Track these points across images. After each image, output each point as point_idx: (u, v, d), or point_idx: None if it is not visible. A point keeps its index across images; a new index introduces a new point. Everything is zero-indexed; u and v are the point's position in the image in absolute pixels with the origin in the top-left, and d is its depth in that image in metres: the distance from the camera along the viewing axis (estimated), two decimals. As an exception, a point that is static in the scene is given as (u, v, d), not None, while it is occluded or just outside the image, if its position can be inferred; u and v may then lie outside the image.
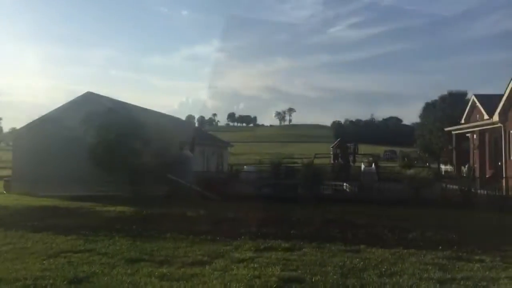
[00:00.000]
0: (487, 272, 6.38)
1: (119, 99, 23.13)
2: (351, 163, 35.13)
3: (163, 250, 7.67)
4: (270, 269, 6.36)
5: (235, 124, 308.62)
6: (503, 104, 20.32)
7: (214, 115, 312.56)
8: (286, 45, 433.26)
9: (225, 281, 5.75)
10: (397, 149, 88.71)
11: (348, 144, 38.53)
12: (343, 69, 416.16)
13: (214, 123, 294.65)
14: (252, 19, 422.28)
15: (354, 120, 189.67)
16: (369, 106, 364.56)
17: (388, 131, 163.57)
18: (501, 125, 20.67)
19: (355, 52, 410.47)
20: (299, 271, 6.28)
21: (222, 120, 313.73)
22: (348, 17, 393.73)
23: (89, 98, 19.97)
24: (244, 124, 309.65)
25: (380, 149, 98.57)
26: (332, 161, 36.19)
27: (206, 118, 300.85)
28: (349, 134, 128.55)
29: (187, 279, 5.89)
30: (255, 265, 6.62)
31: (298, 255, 7.35)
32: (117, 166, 16.81)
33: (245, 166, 28.54)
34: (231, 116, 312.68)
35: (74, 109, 19.85)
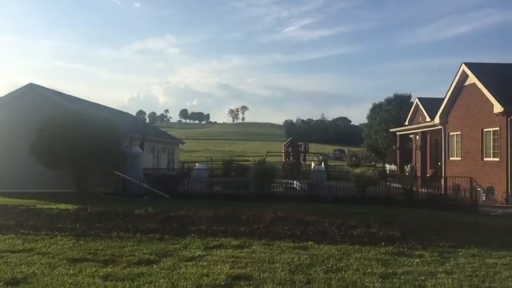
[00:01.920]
0: (425, 267, 6.72)
1: (65, 92, 22.12)
2: (302, 162, 35.94)
3: (108, 249, 7.42)
4: (219, 267, 6.33)
5: (188, 121, 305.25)
6: (444, 107, 21.52)
7: (166, 111, 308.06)
8: (240, 43, 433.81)
9: (173, 280, 5.65)
10: (346, 149, 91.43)
11: (299, 143, 39.40)
12: (296, 69, 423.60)
13: (165, 119, 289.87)
14: (207, 15, 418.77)
15: (305, 119, 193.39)
16: (320, 106, 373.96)
17: (338, 131, 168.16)
18: (442, 127, 21.90)
19: (307, 53, 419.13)
20: (248, 268, 6.31)
21: (174, 116, 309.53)
22: (302, 18, 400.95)
23: (31, 90, 18.89)
24: (196, 121, 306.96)
25: (329, 148, 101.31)
26: (283, 160, 36.79)
27: (158, 114, 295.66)
28: (300, 133, 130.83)
29: (132, 279, 5.73)
30: (204, 263, 6.57)
31: (248, 253, 7.38)
32: (60, 162, 16.04)
33: (196, 164, 28.25)
34: (183, 113, 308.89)
35: (15, 101, 18.72)
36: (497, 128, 17.12)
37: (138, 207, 11.43)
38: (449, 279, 6.00)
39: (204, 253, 7.26)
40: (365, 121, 62.86)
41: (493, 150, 17.55)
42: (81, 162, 16.28)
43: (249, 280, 5.74)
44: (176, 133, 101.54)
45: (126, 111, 42.32)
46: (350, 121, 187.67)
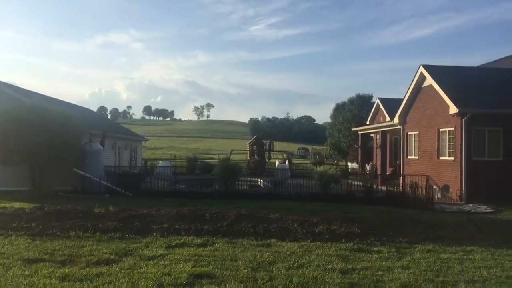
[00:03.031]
0: (383, 262, 6.94)
1: (23, 87, 21.21)
2: (266, 160, 36.17)
3: (66, 249, 7.21)
4: (181, 266, 6.29)
5: (151, 117, 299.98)
6: (403, 108, 22.23)
7: (129, 107, 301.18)
8: (206, 40, 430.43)
9: (133, 280, 5.56)
10: (310, 147, 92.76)
11: (264, 141, 39.62)
12: (262, 67, 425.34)
13: (128, 115, 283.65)
14: (172, 10, 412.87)
15: (270, 117, 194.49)
16: (285, 104, 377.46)
17: (302, 130, 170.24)
18: (401, 126, 22.62)
19: (273, 52, 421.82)
20: (211, 267, 6.30)
21: (137, 113, 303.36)
22: (268, 17, 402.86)
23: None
24: (160, 118, 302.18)
25: (294, 147, 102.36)
26: (248, 157, 36.89)
27: (120, 110, 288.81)
28: (265, 131, 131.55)
29: (91, 279, 5.59)
30: (166, 262, 6.50)
31: (210, 251, 7.36)
32: (15, 158, 15.36)
33: (160, 161, 27.87)
34: (147, 109, 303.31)
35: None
36: (452, 128, 17.87)
37: (98, 206, 11.15)
38: (405, 274, 6.23)
39: (166, 252, 7.18)
40: (329, 120, 64.06)
41: (448, 149, 18.31)
42: (38, 159, 15.66)
43: (212, 278, 5.73)
44: (139, 130, 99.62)
45: (87, 106, 41.17)
46: (314, 120, 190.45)
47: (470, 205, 15.72)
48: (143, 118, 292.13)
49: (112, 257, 6.74)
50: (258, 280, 5.74)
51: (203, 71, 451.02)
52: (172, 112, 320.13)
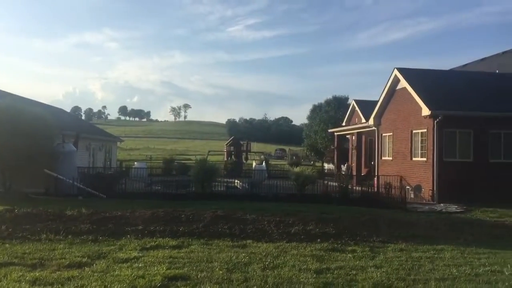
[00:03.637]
0: (357, 262, 7.05)
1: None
2: (244, 161, 36.17)
3: (37, 253, 7.03)
4: (155, 268, 6.22)
5: (127, 118, 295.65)
6: (377, 110, 22.63)
7: (104, 107, 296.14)
8: (183, 40, 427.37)
9: (106, 283, 5.47)
10: (287, 148, 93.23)
11: (242, 142, 39.62)
12: (240, 69, 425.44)
13: (103, 116, 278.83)
14: (148, 9, 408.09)
15: (248, 118, 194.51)
16: (263, 105, 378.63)
17: (280, 131, 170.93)
18: (375, 128, 23.02)
19: (251, 53, 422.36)
20: (185, 269, 6.25)
21: (113, 113, 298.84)
22: (246, 18, 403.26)
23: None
24: (136, 119, 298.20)
25: (271, 148, 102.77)
26: (225, 158, 36.80)
27: (95, 110, 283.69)
28: (243, 132, 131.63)
29: (62, 283, 5.47)
30: (140, 265, 6.42)
31: (186, 252, 7.31)
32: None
33: (135, 162, 27.46)
34: (122, 110, 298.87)
35: None
36: (425, 130, 18.30)
37: (71, 208, 10.92)
38: (378, 273, 6.34)
39: (140, 254, 7.09)
40: (306, 121, 64.63)
41: (421, 150, 18.74)
42: (8, 161, 15.19)
43: (186, 280, 5.70)
44: (114, 130, 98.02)
45: (61, 107, 40.23)
46: (291, 121, 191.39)
47: (442, 204, 16.12)
48: (118, 118, 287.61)
49: (84, 260, 6.61)
50: (234, 281, 5.73)
51: (180, 72, 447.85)
52: (149, 112, 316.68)
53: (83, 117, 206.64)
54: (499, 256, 7.71)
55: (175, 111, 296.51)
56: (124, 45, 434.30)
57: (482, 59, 29.31)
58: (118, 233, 8.62)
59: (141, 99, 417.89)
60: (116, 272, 5.99)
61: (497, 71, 23.66)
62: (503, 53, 27.62)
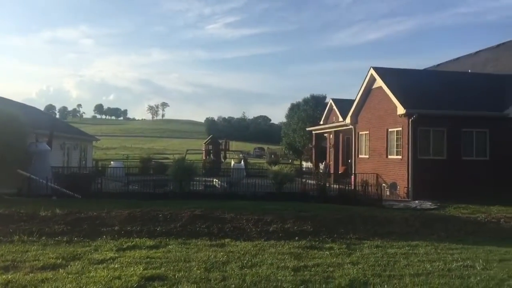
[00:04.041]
0: (334, 259, 7.13)
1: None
2: (222, 160, 36.08)
3: (9, 254, 6.84)
4: (132, 269, 6.14)
5: (103, 116, 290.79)
6: (354, 108, 22.93)
7: (79, 106, 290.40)
8: (161, 38, 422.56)
9: (81, 285, 5.37)
10: (266, 147, 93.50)
11: (220, 141, 39.51)
12: (219, 67, 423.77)
13: (78, 114, 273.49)
14: (124, 6, 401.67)
15: (227, 117, 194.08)
16: (242, 104, 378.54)
17: (259, 129, 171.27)
18: (352, 126, 23.32)
19: (230, 51, 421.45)
20: (163, 269, 6.19)
21: (88, 112, 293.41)
22: (225, 16, 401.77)
23: None
24: (113, 117, 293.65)
25: (250, 146, 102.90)
26: (204, 157, 36.62)
27: (70, 109, 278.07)
28: (222, 131, 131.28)
29: (36, 285, 5.35)
30: (116, 266, 6.32)
31: (163, 252, 7.24)
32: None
33: (112, 162, 27.05)
34: (98, 108, 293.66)
35: None
36: (400, 129, 18.65)
37: (45, 209, 10.65)
38: (355, 269, 6.43)
39: (116, 255, 6.98)
40: (284, 120, 64.90)
41: (396, 148, 19.09)
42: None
43: (164, 281, 5.64)
44: (90, 129, 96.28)
45: (34, 105, 39.28)
46: (270, 120, 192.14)
47: (416, 201, 16.47)
48: (94, 117, 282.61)
49: (58, 261, 6.48)
50: (211, 280, 5.72)
51: (158, 70, 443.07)
52: (126, 111, 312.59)
53: (57, 116, 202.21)
54: (471, 252, 7.94)
55: (153, 110, 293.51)
56: (100, 42, 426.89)
57: (455, 59, 30.02)
58: (94, 234, 8.47)
59: (117, 97, 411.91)
60: (92, 274, 5.89)
61: (469, 71, 24.29)
62: (476, 53, 28.37)
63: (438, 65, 31.21)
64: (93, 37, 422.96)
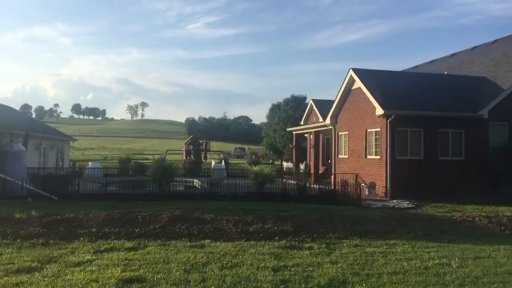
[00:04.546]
0: (314, 258, 7.18)
1: None
2: (203, 160, 35.90)
3: (-18, 259, 6.64)
4: (110, 271, 6.04)
5: (81, 116, 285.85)
6: (334, 109, 23.14)
7: (56, 105, 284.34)
8: (140, 37, 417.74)
9: (57, 288, 5.26)
10: (247, 147, 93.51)
11: (201, 141, 39.32)
12: (199, 67, 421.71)
13: (55, 114, 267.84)
14: (103, 4, 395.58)
15: (207, 117, 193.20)
16: (223, 104, 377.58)
17: (239, 130, 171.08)
18: (332, 127, 23.53)
19: (210, 51, 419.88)
20: (141, 271, 6.12)
21: (65, 111, 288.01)
22: (205, 16, 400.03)
23: None
24: (91, 117, 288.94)
25: (231, 147, 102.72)
26: (184, 158, 36.36)
27: (46, 108, 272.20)
28: (202, 131, 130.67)
29: (10, 290, 5.21)
30: (93, 268, 6.21)
31: (142, 254, 7.16)
32: None
33: (90, 162, 26.60)
34: (76, 108, 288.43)
35: None
36: (379, 129, 18.92)
37: (20, 211, 10.39)
38: (334, 269, 6.49)
39: (94, 257, 6.87)
40: (265, 120, 65.09)
41: (375, 149, 19.36)
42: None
43: (142, 283, 5.58)
44: (67, 129, 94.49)
45: (9, 104, 38.28)
46: (251, 120, 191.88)
47: (394, 201, 16.73)
48: (72, 117, 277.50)
49: (34, 264, 6.33)
50: (191, 282, 5.68)
51: (137, 69, 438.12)
52: (104, 111, 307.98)
53: (33, 116, 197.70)
54: (447, 250, 8.11)
55: (132, 110, 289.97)
56: (78, 40, 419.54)
57: (432, 61, 30.64)
58: (71, 236, 8.31)
59: (96, 96, 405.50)
60: (68, 277, 5.77)
61: (445, 73, 24.83)
62: (451, 55, 29.01)
63: (416, 66, 31.79)
64: (71, 35, 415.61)
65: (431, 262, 7.07)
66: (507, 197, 16.12)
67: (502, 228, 10.63)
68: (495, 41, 25.83)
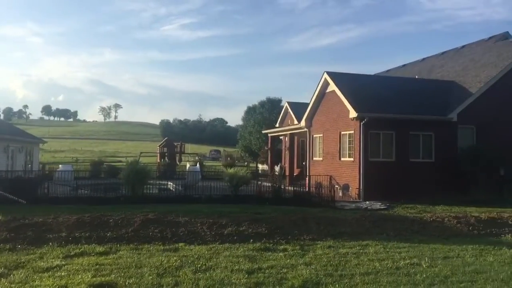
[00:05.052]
0: (288, 260, 7.21)
1: None
2: (177, 162, 35.56)
3: None
4: (80, 276, 5.91)
5: (52, 118, 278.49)
6: (309, 111, 23.34)
7: (25, 107, 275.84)
8: (114, 37, 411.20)
9: (24, 295, 5.10)
10: (222, 149, 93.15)
11: (175, 143, 38.95)
12: (174, 68, 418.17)
13: (24, 115, 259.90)
14: (76, 4, 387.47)
15: (182, 119, 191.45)
16: (198, 106, 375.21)
17: (215, 132, 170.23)
18: (307, 129, 23.73)
19: (186, 53, 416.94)
20: (113, 275, 6.00)
21: (35, 113, 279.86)
22: (181, 17, 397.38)
23: None
24: (62, 119, 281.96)
25: (206, 149, 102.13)
26: (158, 160, 35.92)
27: (15, 110, 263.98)
28: (177, 133, 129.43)
29: (-27, 298, 5.01)
30: (63, 273, 6.06)
31: (113, 259, 7.02)
32: None
33: (60, 165, 25.92)
34: (46, 109, 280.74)
35: None
36: (352, 132, 19.20)
37: (-15, 215, 10.03)
38: (308, 270, 6.54)
39: (63, 262, 6.70)
40: (241, 122, 65.08)
41: (348, 151, 19.63)
42: None
43: (113, 288, 5.47)
44: (37, 131, 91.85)
45: (-26, 105, 36.86)
46: (226, 122, 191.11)
47: (367, 202, 17.00)
48: (42, 118, 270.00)
49: (0, 271, 6.13)
50: (164, 286, 5.61)
51: (110, 70, 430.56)
52: (76, 112, 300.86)
53: (1, 117, 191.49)
54: (417, 250, 8.29)
55: (105, 111, 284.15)
56: (49, 40, 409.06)
57: (404, 65, 31.36)
58: (39, 241, 8.08)
59: (67, 98, 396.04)
60: (36, 283, 5.61)
61: (416, 77, 25.45)
62: (422, 60, 29.77)
63: (388, 70, 32.46)
64: (42, 35, 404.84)
65: (402, 262, 7.21)
66: (475, 198, 16.64)
67: (470, 228, 10.95)
68: (463, 46, 26.68)
